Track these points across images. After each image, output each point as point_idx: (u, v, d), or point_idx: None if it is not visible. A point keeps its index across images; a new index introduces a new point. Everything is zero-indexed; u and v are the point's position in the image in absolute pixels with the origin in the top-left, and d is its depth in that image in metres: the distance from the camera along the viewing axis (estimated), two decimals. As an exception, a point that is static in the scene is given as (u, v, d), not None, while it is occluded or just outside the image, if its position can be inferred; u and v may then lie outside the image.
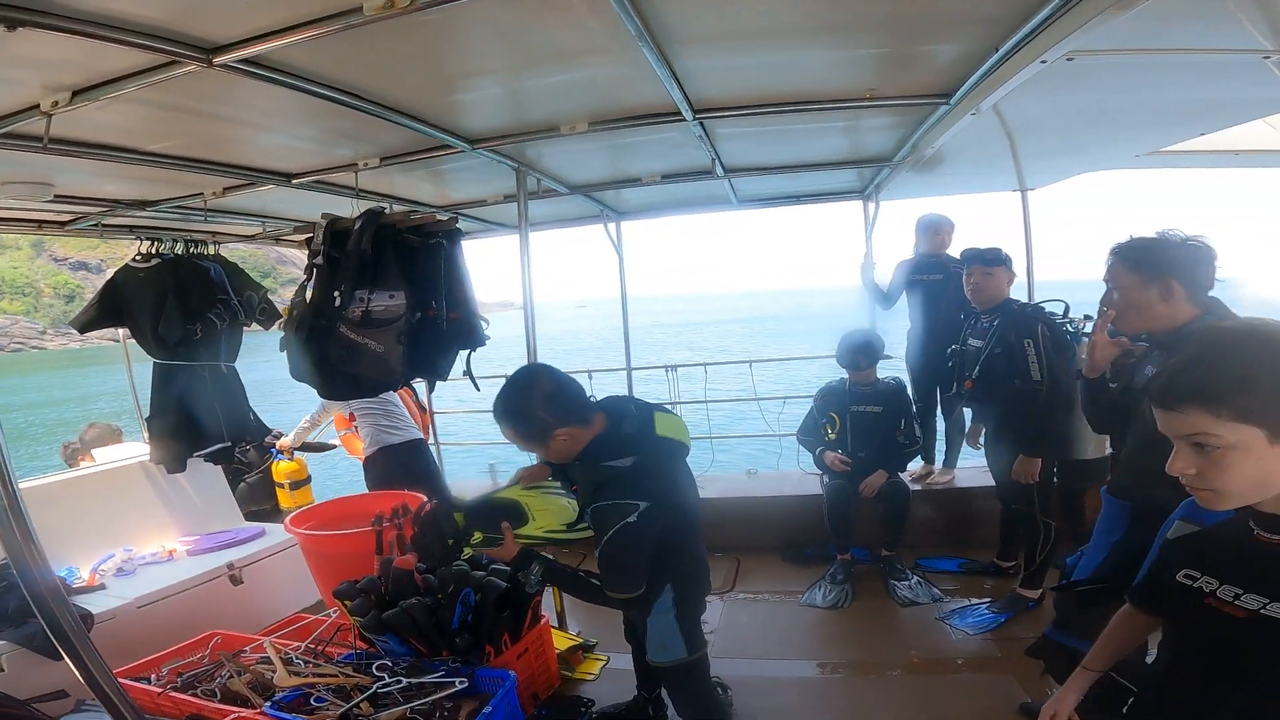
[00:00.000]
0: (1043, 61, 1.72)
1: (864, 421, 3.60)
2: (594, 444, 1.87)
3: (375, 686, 2.09)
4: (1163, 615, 1.19)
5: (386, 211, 2.69)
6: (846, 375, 3.72)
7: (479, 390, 2.97)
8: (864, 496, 3.49)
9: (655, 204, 4.54)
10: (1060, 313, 3.15)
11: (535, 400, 1.85)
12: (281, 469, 4.33)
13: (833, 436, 3.66)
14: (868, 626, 3.15)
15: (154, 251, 3.39)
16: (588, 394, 1.98)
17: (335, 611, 2.67)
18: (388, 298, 2.56)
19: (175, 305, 3.31)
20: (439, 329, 2.72)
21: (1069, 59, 1.69)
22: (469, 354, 2.94)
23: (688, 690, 2.12)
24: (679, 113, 2.38)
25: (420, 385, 3.93)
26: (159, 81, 1.75)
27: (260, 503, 4.31)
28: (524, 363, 2.39)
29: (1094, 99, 2.33)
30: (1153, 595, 1.22)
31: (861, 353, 3.63)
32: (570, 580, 2.01)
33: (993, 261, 3.06)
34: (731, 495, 4.23)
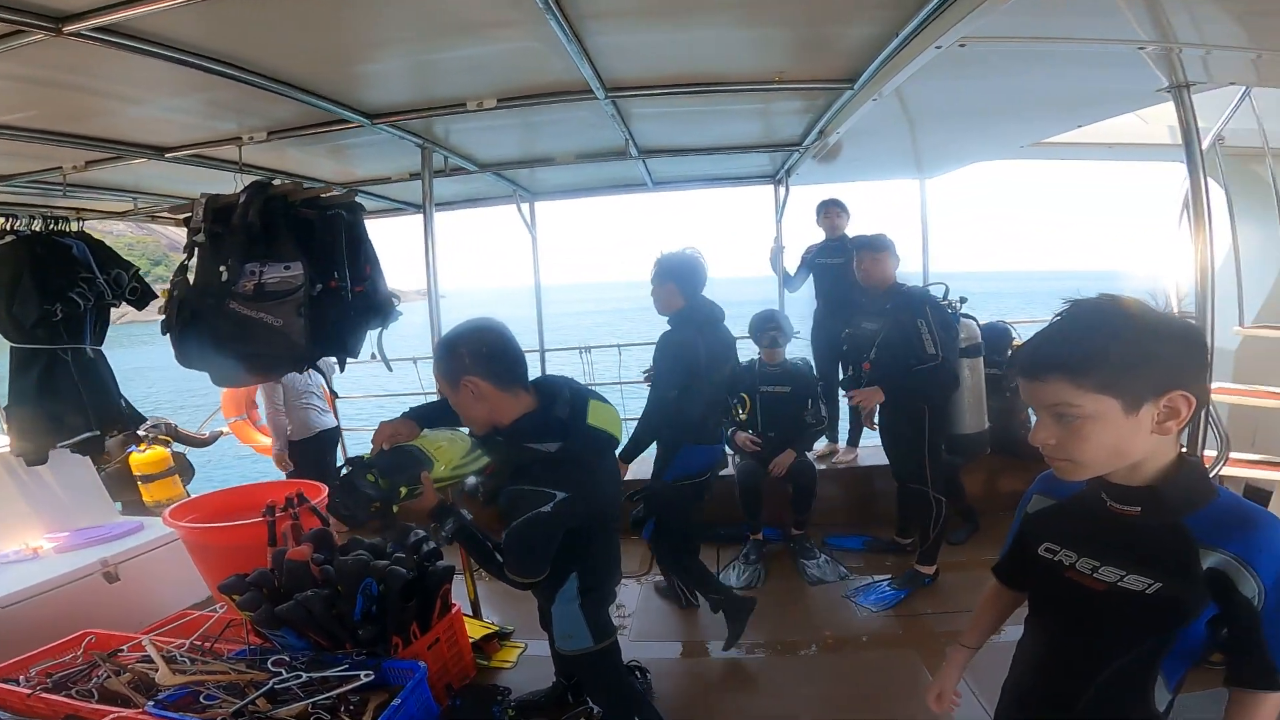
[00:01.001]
0: (938, 47, 1.75)
1: (773, 402, 3.70)
2: (521, 421, 1.78)
3: (272, 682, 1.99)
4: (1027, 589, 1.20)
5: (273, 183, 2.52)
6: (756, 357, 3.79)
7: (391, 370, 2.83)
8: (774, 476, 3.59)
9: (570, 185, 4.46)
10: (941, 295, 3.33)
11: (465, 341, 1.75)
12: (137, 460, 4.01)
13: (743, 417, 3.74)
14: (781, 606, 3.23)
15: (7, 228, 3.04)
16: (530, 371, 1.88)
17: (224, 607, 2.53)
18: (283, 269, 2.41)
19: (31, 284, 2.99)
20: (344, 302, 2.58)
21: (961, 45, 1.73)
22: (380, 334, 2.81)
23: (599, 679, 2.10)
24: (590, 90, 2.33)
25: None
26: (2, 51, 1.59)
27: (119, 496, 4.00)
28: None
29: (985, 88, 2.42)
30: (1016, 570, 1.23)
31: (776, 327, 3.71)
32: (478, 548, 1.90)
33: (879, 247, 3.20)
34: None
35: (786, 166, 4.10)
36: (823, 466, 4.12)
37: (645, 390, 3.23)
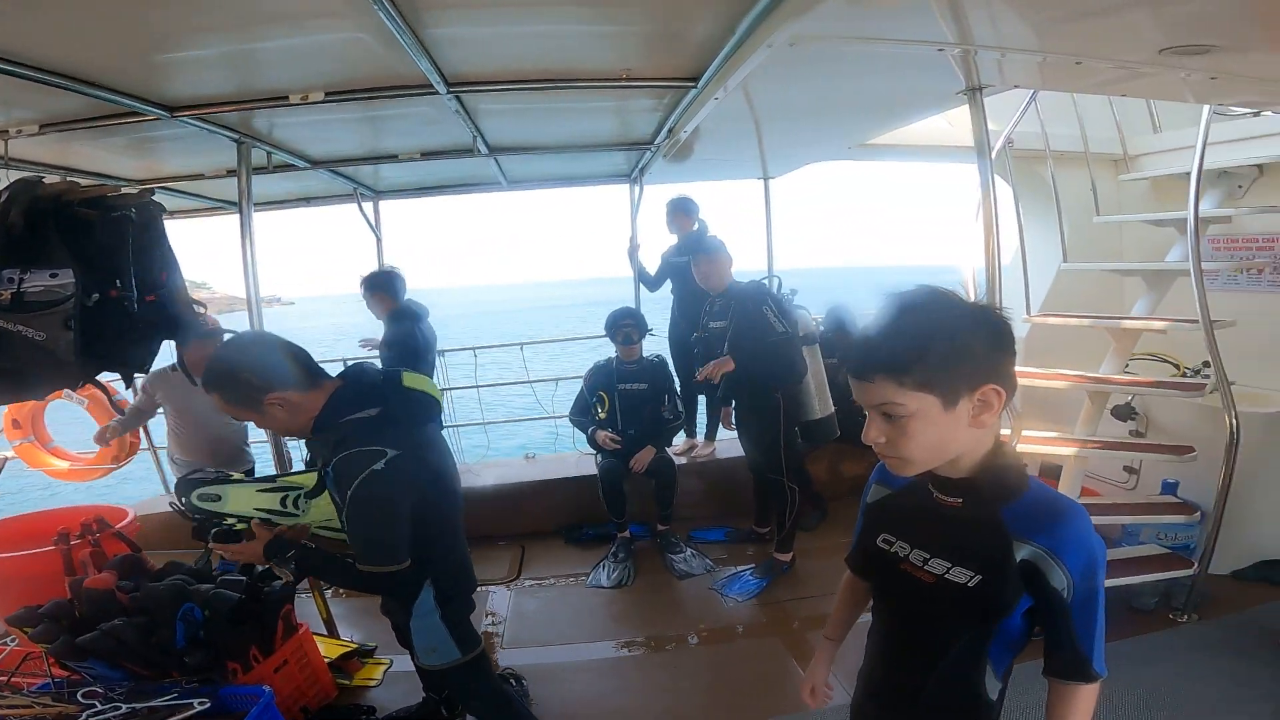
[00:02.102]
0: (769, 46, 1.81)
1: (632, 399, 3.73)
2: (329, 406, 1.65)
3: (84, 715, 1.81)
4: (870, 580, 1.22)
5: (44, 182, 2.15)
6: (614, 355, 3.81)
7: (195, 384, 2.61)
8: (635, 472, 3.63)
9: (418, 182, 4.23)
10: (775, 288, 3.56)
11: (243, 363, 1.61)
12: None
13: (603, 415, 3.75)
14: (652, 602, 3.27)
15: None
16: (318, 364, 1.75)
17: (16, 639, 2.26)
18: (48, 276, 2.04)
19: None
20: (128, 314, 2.25)
21: (791, 44, 1.79)
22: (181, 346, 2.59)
23: (472, 691, 2.01)
24: (430, 85, 2.20)
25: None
26: None
27: None
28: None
29: (815, 89, 2.54)
30: (863, 560, 1.22)
31: (630, 324, 3.74)
32: (329, 566, 1.76)
33: (713, 250, 3.34)
34: (511, 481, 4.16)
35: (640, 166, 4.13)
36: (683, 461, 4.23)
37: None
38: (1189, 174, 2.75)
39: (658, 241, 4.53)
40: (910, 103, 2.75)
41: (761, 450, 3.32)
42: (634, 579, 3.47)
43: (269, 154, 2.89)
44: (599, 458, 3.77)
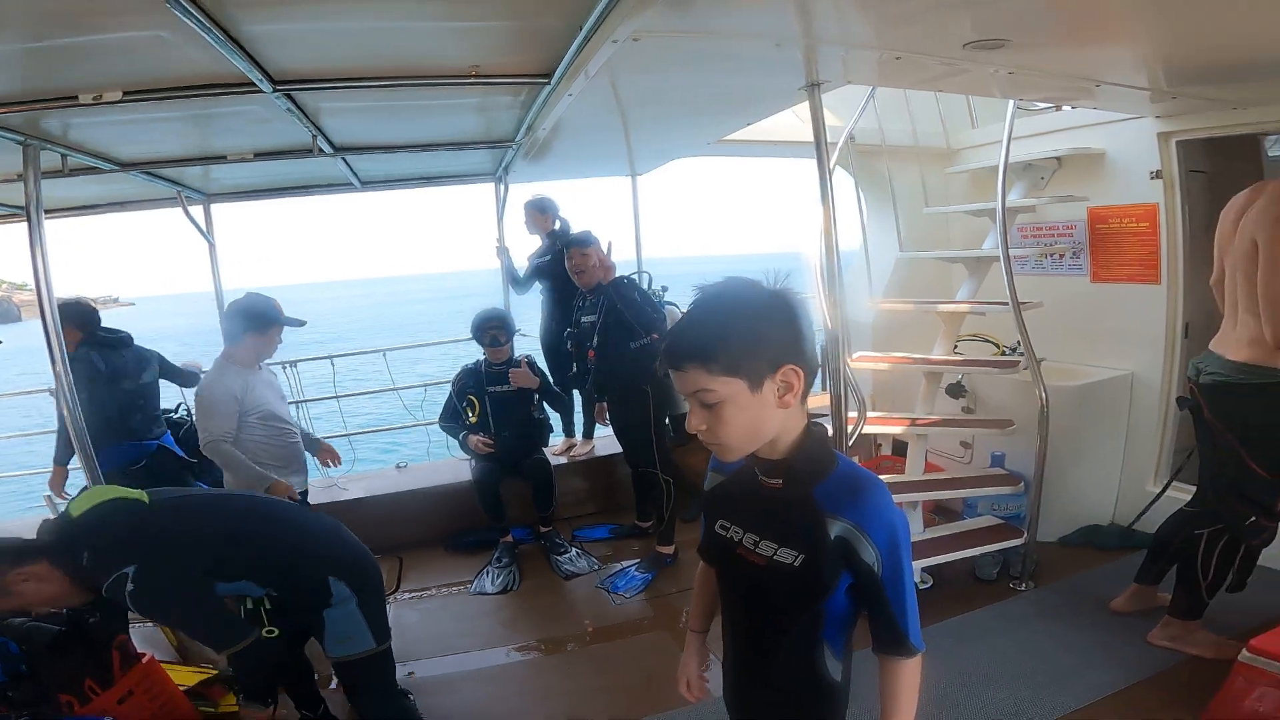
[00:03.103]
0: (614, 41, 1.81)
1: (503, 401, 3.66)
2: (73, 584, 1.70)
3: None
4: (715, 566, 1.23)
5: None
6: (482, 358, 3.73)
7: None
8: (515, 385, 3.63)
9: (257, 185, 3.88)
10: (645, 284, 3.62)
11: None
12: None
13: (474, 419, 3.66)
14: (540, 604, 3.25)
15: None
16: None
17: None
18: None
19: None
20: None
21: (635, 39, 1.79)
22: None
23: (378, 687, 1.99)
24: (252, 84, 2.02)
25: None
26: None
27: None
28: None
29: (670, 85, 2.54)
30: (707, 548, 1.23)
31: (496, 326, 3.66)
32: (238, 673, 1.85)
33: (585, 243, 3.37)
34: (384, 492, 3.98)
35: (504, 164, 4.03)
36: (563, 460, 4.23)
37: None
38: (998, 166, 3.06)
39: (525, 240, 4.44)
40: (760, 99, 2.84)
41: (634, 444, 3.38)
42: (519, 583, 3.43)
43: (64, 156, 2.54)
44: (473, 463, 3.67)
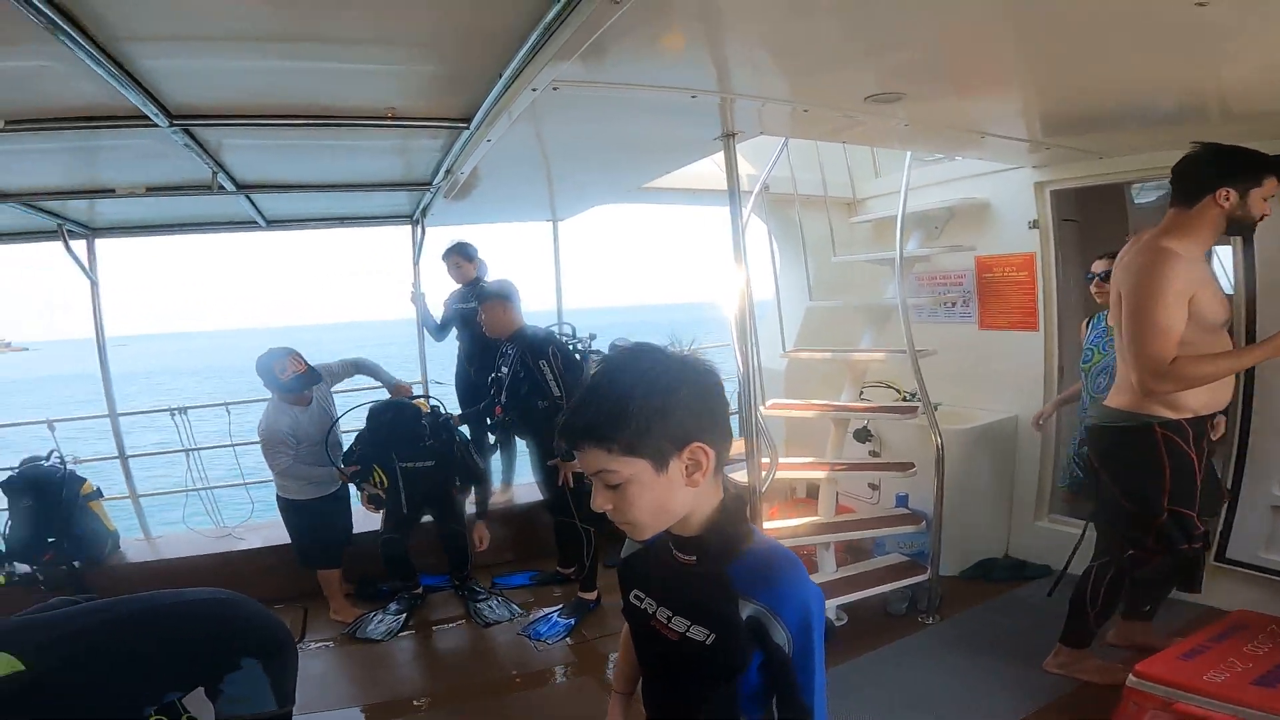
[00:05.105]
0: (533, 89, 1.83)
1: (417, 477, 3.40)
2: None
3: None
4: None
5: None
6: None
7: None
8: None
9: (150, 220, 3.65)
10: (570, 334, 3.61)
11: None
12: None
13: (382, 494, 3.39)
14: (461, 651, 3.16)
15: None
16: None
17: None
18: None
19: None
20: None
21: (555, 88, 1.83)
22: None
23: None
24: (146, 117, 1.92)
25: None
26: None
27: None
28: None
29: (590, 132, 2.58)
30: (626, 613, 1.19)
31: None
32: None
33: (497, 296, 3.36)
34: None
35: (422, 206, 3.96)
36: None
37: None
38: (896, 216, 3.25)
39: (441, 285, 4.36)
40: (678, 148, 2.92)
41: (552, 493, 3.34)
42: (400, 630, 3.29)
43: (-80, 186, 2.32)
44: (382, 534, 3.49)
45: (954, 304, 4.01)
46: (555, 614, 3.36)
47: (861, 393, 3.65)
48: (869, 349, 3.60)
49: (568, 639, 3.18)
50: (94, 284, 3.75)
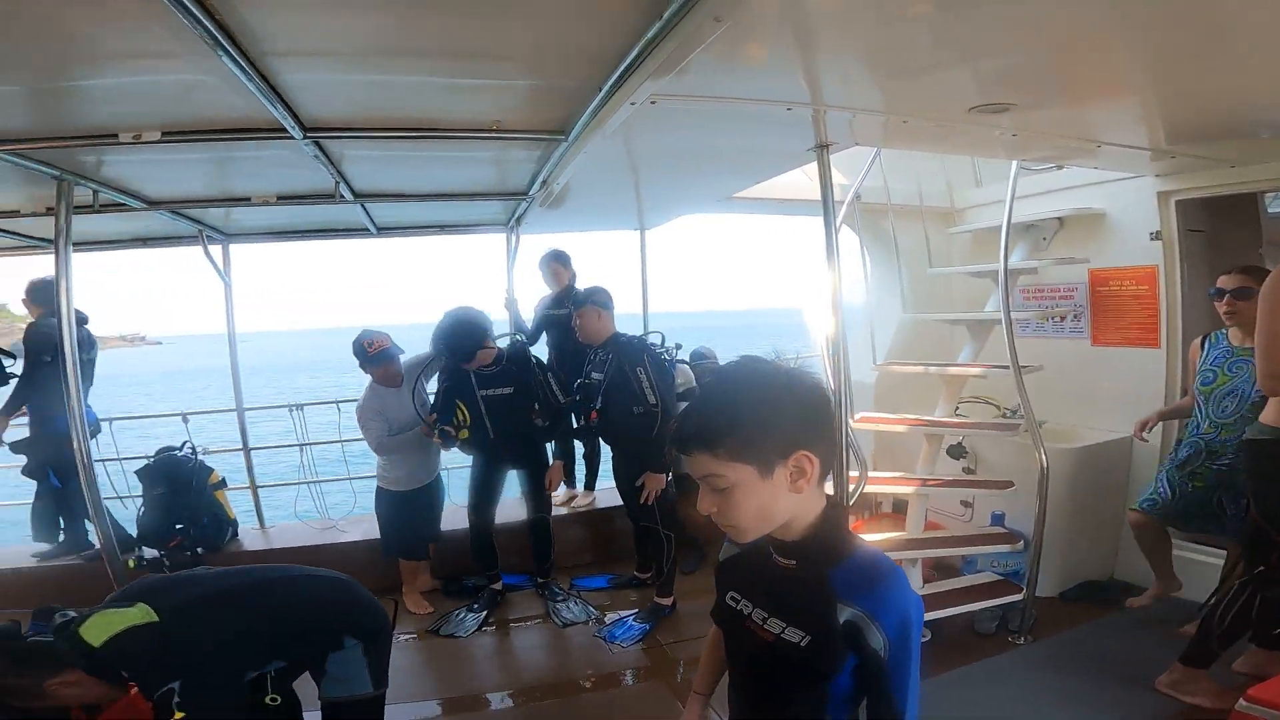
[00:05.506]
0: (632, 103, 1.89)
1: (498, 405, 3.44)
2: (111, 689, 1.70)
3: None
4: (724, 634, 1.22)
5: None
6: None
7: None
8: (550, 492, 3.59)
9: (276, 227, 3.99)
10: (659, 342, 3.64)
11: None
12: None
13: (466, 425, 3.41)
14: (536, 651, 3.23)
15: None
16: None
17: None
18: None
19: None
20: None
21: (653, 102, 1.88)
22: None
23: None
24: (284, 129, 2.11)
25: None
26: None
27: None
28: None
29: (682, 144, 2.63)
30: (718, 614, 1.23)
31: (477, 337, 3.36)
32: None
33: (593, 304, 3.41)
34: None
35: (517, 215, 4.12)
36: (564, 511, 4.22)
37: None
38: (1001, 227, 3.11)
39: (533, 291, 4.51)
40: (770, 159, 2.93)
41: (635, 499, 3.36)
42: (475, 630, 3.38)
43: (95, 192, 2.63)
44: (470, 502, 3.62)
45: (1063, 318, 3.80)
46: (631, 618, 3.39)
47: (957, 408, 3.50)
48: (968, 363, 3.45)
49: (642, 643, 3.20)
50: (227, 286, 4.13)
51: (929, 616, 2.81)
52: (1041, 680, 2.65)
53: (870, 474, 2.85)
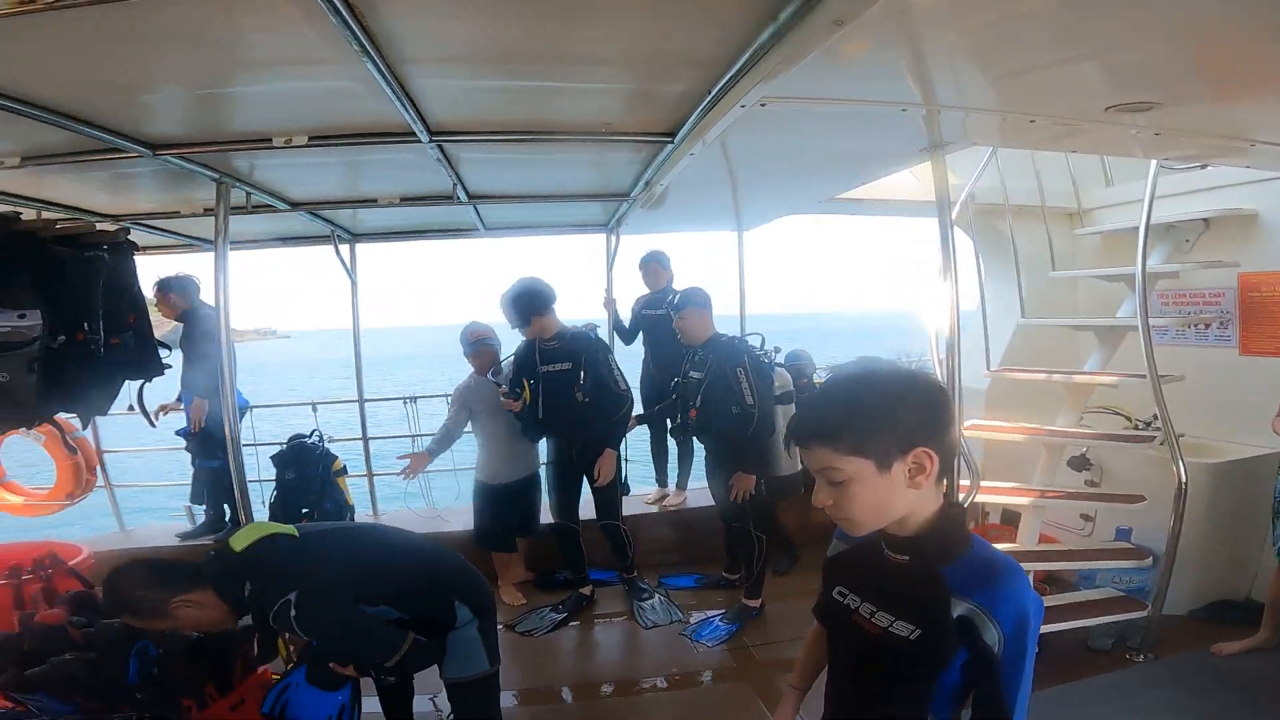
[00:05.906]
0: (742, 106, 1.89)
1: (554, 382, 3.45)
2: (229, 611, 1.86)
3: None
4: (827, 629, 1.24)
5: (20, 217, 2.15)
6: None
7: (154, 426, 2.79)
8: (599, 484, 3.50)
9: (396, 227, 4.27)
10: (758, 344, 3.61)
11: (129, 589, 1.79)
12: None
13: (524, 402, 3.45)
14: (622, 647, 3.29)
15: None
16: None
17: None
18: (15, 318, 2.08)
19: None
20: (94, 356, 2.27)
21: (762, 104, 1.88)
22: (142, 385, 2.59)
23: (485, 709, 2.08)
24: (413, 133, 2.26)
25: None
26: None
27: None
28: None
29: (787, 145, 2.61)
30: (822, 610, 1.23)
31: (531, 299, 3.45)
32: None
33: (693, 304, 3.41)
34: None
35: (617, 216, 4.21)
36: (655, 510, 4.28)
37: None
38: (1138, 228, 2.89)
39: (631, 291, 4.57)
40: (877, 159, 2.86)
41: (727, 500, 3.34)
42: (554, 629, 3.43)
43: (248, 194, 2.91)
44: (554, 512, 3.68)
45: (1207, 325, 3.47)
46: (718, 618, 3.38)
47: (1082, 418, 3.26)
48: (1099, 372, 3.21)
49: (727, 644, 3.18)
50: (354, 284, 4.44)
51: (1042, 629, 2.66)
52: (1160, 698, 2.53)
53: (982, 483, 2.71)
